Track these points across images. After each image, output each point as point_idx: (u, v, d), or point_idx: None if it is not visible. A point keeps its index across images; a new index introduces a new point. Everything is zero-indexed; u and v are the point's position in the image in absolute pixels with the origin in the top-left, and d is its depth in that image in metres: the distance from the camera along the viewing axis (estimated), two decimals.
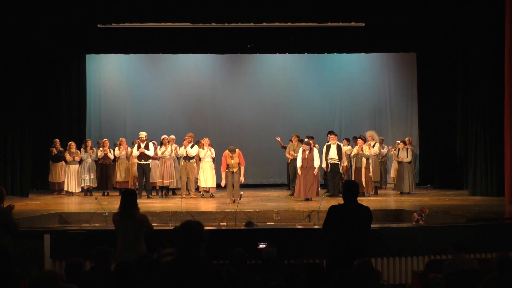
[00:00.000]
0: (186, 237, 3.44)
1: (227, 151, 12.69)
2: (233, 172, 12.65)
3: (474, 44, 13.27)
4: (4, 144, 13.21)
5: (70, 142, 14.38)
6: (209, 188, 13.71)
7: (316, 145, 13.93)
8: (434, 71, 16.01)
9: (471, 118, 13.49)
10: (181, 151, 13.59)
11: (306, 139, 13.35)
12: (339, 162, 13.37)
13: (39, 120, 15.16)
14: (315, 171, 12.76)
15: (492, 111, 12.88)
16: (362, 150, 13.37)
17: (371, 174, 13.41)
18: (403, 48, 15.70)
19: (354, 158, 13.49)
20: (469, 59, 13.60)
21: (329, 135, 14.01)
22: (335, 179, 13.37)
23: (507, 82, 11.96)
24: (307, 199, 12.62)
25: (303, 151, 12.90)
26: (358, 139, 13.67)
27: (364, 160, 13.36)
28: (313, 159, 12.81)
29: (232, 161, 12.65)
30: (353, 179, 13.20)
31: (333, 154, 13.30)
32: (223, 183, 12.86)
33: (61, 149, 14.49)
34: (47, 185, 14.83)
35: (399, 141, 14.63)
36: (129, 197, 6.27)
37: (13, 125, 13.35)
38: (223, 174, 12.86)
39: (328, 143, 13.48)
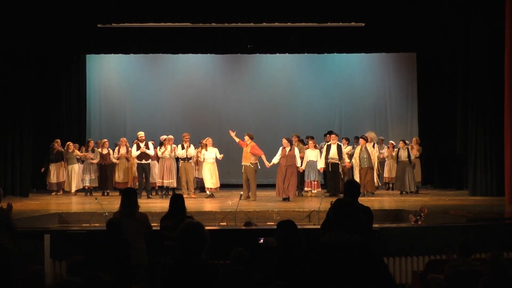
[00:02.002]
0: (189, 239, 3.42)
1: (245, 139, 12.96)
2: (244, 172, 12.83)
3: (474, 44, 13.26)
4: (4, 144, 13.21)
5: (68, 142, 14.41)
6: (213, 188, 13.54)
7: (316, 145, 13.96)
8: (434, 71, 16.01)
9: (471, 118, 13.49)
10: (182, 152, 13.52)
11: (285, 137, 13.20)
12: (339, 162, 13.37)
13: (39, 120, 15.15)
14: (301, 168, 12.78)
15: (492, 111, 12.87)
16: (367, 150, 13.38)
17: (375, 174, 13.52)
18: (403, 48, 15.71)
19: (358, 158, 13.48)
20: (469, 59, 13.59)
21: (328, 135, 14.05)
22: (335, 179, 13.37)
23: (507, 82, 11.95)
24: (285, 199, 12.62)
25: (283, 148, 12.88)
26: (360, 139, 13.68)
27: (374, 160, 13.42)
28: (293, 157, 12.78)
29: (245, 148, 12.84)
30: (358, 179, 13.31)
31: (333, 153, 13.30)
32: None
33: (61, 149, 14.50)
34: (46, 185, 14.82)
35: (392, 141, 14.64)
36: (129, 196, 6.28)
37: (13, 125, 13.34)
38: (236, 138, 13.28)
39: (329, 143, 13.48)
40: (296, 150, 12.95)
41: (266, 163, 13.02)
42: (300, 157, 13.73)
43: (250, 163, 12.83)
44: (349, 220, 3.31)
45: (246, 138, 12.98)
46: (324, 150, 13.46)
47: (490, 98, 12.93)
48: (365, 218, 5.49)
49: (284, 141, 12.91)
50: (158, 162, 13.83)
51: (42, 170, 14.49)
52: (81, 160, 14.37)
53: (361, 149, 13.49)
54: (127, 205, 6.17)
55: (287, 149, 12.80)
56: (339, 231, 3.28)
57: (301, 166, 13.16)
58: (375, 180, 13.70)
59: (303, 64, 17.25)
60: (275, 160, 12.93)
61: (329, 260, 3.16)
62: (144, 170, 13.43)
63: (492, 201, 12.27)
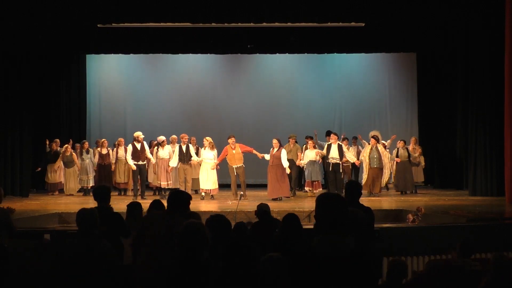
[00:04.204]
0: (189, 239, 3.40)
1: (229, 144, 12.99)
2: (237, 173, 12.94)
3: (474, 44, 13.26)
4: (4, 144, 13.21)
5: (66, 145, 14.42)
6: (210, 190, 13.33)
7: (315, 145, 13.97)
8: (434, 71, 16.00)
9: (471, 118, 13.49)
10: (174, 163, 13.40)
11: (276, 138, 13.30)
12: (340, 162, 13.37)
13: (39, 120, 15.15)
14: (288, 170, 12.95)
15: (492, 111, 12.87)
16: (378, 150, 13.36)
17: (385, 174, 13.58)
18: (403, 48, 15.70)
19: (368, 157, 13.44)
20: (469, 59, 13.59)
21: (328, 136, 14.07)
22: (336, 179, 13.35)
23: (507, 82, 11.95)
24: (275, 199, 12.66)
25: (272, 148, 13.05)
26: (371, 139, 13.63)
27: (386, 161, 13.45)
28: (279, 158, 12.89)
29: (234, 151, 12.89)
30: (365, 178, 13.41)
31: (334, 153, 13.31)
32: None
33: (59, 149, 14.50)
34: (45, 185, 14.82)
35: (385, 142, 14.64)
36: (134, 210, 6.33)
37: (13, 125, 13.34)
38: (217, 163, 13.16)
39: (329, 143, 13.51)
40: (283, 152, 13.01)
41: (259, 154, 13.15)
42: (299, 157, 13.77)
43: (243, 163, 13.08)
44: (340, 218, 2.82)
45: (232, 140, 13.04)
46: (324, 149, 13.48)
47: (490, 98, 12.93)
48: (366, 218, 5.49)
49: (274, 141, 13.09)
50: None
51: (38, 169, 14.46)
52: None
53: (371, 149, 13.45)
54: (131, 219, 6.22)
55: (275, 149, 12.96)
56: (329, 233, 2.80)
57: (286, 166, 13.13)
58: (384, 181, 13.82)
59: (303, 64, 17.24)
60: (267, 157, 13.08)
61: (321, 269, 2.77)
62: (140, 171, 13.28)
63: (492, 201, 12.26)
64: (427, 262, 4.83)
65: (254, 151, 13.21)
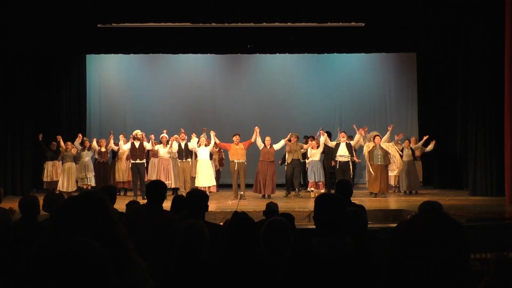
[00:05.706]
0: (189, 239, 3.39)
1: (234, 139, 13.29)
2: (238, 170, 13.08)
3: (474, 44, 13.26)
4: (4, 144, 13.21)
5: (67, 142, 14.39)
6: (208, 187, 13.32)
7: (319, 144, 13.97)
8: (434, 71, 16.01)
9: (471, 118, 13.49)
10: (175, 149, 13.63)
11: (269, 137, 13.55)
12: (349, 160, 13.34)
13: (39, 120, 15.14)
14: (282, 143, 13.45)
15: (492, 111, 12.88)
16: (382, 148, 13.35)
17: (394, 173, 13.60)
18: (403, 48, 15.71)
19: (372, 155, 13.40)
20: (469, 59, 13.60)
21: (340, 133, 14.15)
22: (344, 177, 13.30)
23: (507, 82, 11.95)
24: (264, 196, 12.84)
25: (265, 146, 13.27)
26: (376, 137, 13.57)
27: (396, 156, 13.45)
28: (273, 153, 13.23)
29: (237, 146, 13.07)
30: (367, 178, 13.43)
31: (343, 151, 13.30)
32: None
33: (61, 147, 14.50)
34: (42, 184, 14.79)
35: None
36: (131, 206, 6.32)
37: (13, 125, 13.34)
38: (215, 138, 13.44)
39: (338, 142, 13.55)
40: (275, 146, 13.44)
41: (255, 132, 13.37)
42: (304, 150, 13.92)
43: (245, 160, 13.24)
44: (339, 218, 2.75)
45: (237, 138, 13.31)
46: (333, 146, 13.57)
47: (490, 98, 12.93)
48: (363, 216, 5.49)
49: (268, 138, 13.38)
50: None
51: (40, 136, 14.23)
52: (77, 159, 14.35)
53: (374, 147, 13.38)
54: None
55: (268, 146, 13.22)
56: (328, 234, 2.75)
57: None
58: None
59: (303, 64, 17.24)
60: (259, 142, 13.33)
61: (320, 270, 2.68)
62: (139, 170, 13.25)
63: (492, 201, 12.25)
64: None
65: (253, 138, 13.34)
